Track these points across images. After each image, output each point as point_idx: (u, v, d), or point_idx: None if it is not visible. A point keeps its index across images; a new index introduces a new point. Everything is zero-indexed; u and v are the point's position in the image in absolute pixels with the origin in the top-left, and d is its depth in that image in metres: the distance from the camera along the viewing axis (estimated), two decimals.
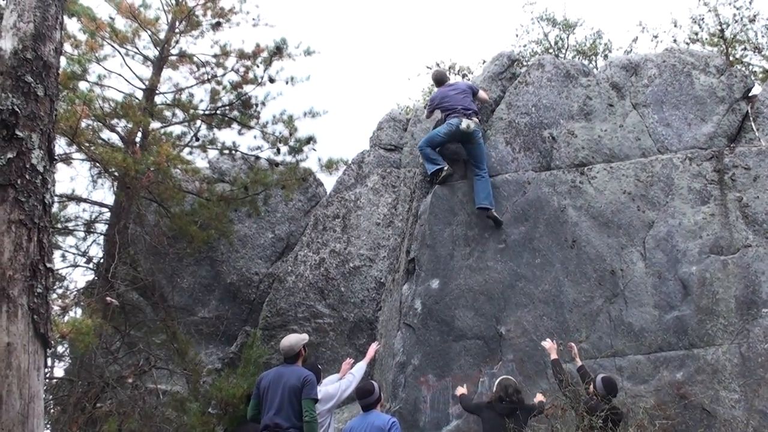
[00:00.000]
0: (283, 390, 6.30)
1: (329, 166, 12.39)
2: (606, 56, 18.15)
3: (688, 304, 8.04)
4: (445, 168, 8.98)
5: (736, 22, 15.97)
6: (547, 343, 7.53)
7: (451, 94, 9.37)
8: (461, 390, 7.38)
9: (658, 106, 9.24)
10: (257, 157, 12.43)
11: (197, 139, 12.11)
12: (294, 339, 6.70)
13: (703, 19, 16.40)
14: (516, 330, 8.25)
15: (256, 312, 11.81)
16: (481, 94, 9.54)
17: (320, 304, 10.91)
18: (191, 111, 11.80)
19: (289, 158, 12.33)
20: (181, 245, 11.39)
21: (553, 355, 7.38)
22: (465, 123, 8.88)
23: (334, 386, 7.28)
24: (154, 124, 11.63)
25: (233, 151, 12.47)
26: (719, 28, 15.93)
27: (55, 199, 9.49)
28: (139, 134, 11.04)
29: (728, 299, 7.98)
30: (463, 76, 18.89)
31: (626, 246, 8.47)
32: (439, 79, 9.87)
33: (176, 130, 12.31)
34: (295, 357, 6.60)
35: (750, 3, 15.81)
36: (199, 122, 12.01)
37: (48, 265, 3.61)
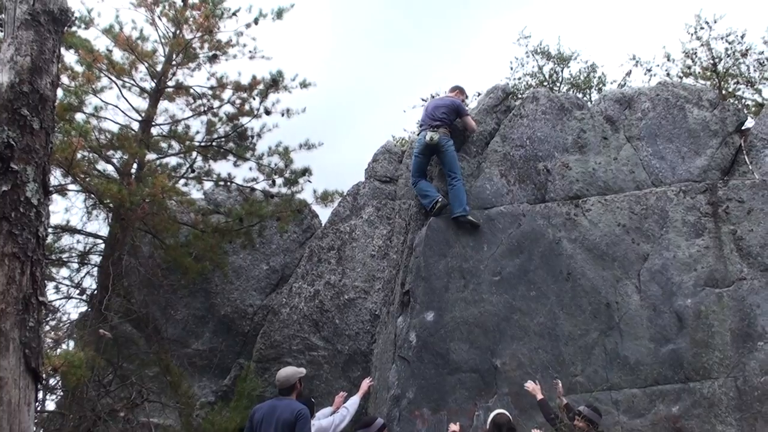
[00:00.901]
0: (276, 424, 6.23)
1: (324, 197, 12.41)
2: (600, 89, 18.23)
3: (684, 337, 8.03)
4: (440, 199, 9.03)
5: (729, 56, 16.10)
6: (530, 386, 7.50)
7: (429, 107, 9.65)
8: (453, 427, 7.31)
9: (651, 139, 9.30)
10: (253, 189, 12.44)
11: (193, 171, 12.14)
12: (290, 371, 6.66)
13: (695, 53, 16.53)
14: (511, 363, 8.22)
15: (250, 344, 11.73)
16: (467, 120, 9.59)
17: (315, 337, 10.87)
18: (187, 142, 11.85)
19: (284, 190, 12.36)
20: (175, 277, 11.36)
21: (539, 396, 7.34)
22: (429, 135, 9.22)
23: (328, 420, 7.23)
24: (150, 156, 11.66)
25: (229, 183, 12.49)
26: (712, 62, 16.06)
27: (50, 230, 9.48)
28: (135, 166, 11.08)
29: (723, 332, 7.97)
30: None
31: (621, 279, 8.48)
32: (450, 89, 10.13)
33: (172, 161, 12.35)
34: (289, 389, 6.55)
35: (742, 37, 15.95)
36: (194, 154, 12.05)
37: (40, 298, 3.61)
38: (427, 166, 9.61)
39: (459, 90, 10.05)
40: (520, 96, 16.33)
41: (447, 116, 9.41)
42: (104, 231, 11.23)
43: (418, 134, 9.82)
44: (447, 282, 8.73)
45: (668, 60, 17.07)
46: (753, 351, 7.82)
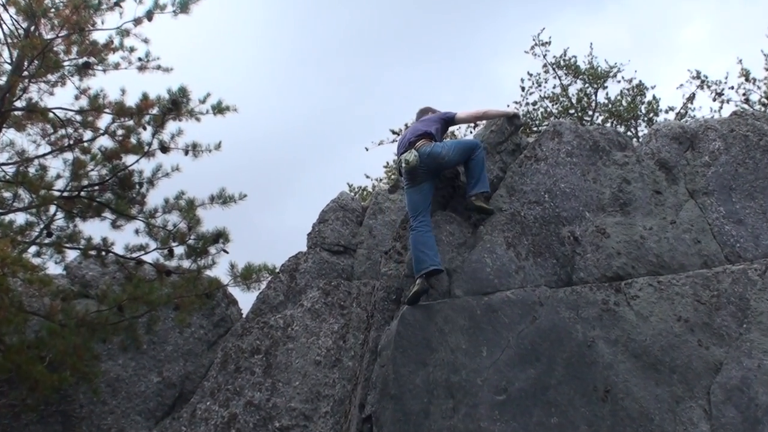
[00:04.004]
0: None
1: (247, 275, 12.31)
2: (651, 121, 18.51)
3: None
4: (417, 282, 8.86)
5: None
6: None
7: (405, 134, 9.83)
8: None
9: (725, 194, 9.43)
10: (140, 262, 12.36)
11: (50, 234, 12.04)
12: None
13: None
14: None
15: None
16: (460, 114, 9.98)
17: None
18: (42, 191, 11.76)
19: (186, 264, 12.28)
20: (18, 393, 11.16)
21: None
22: (403, 158, 9.33)
23: None
24: None
25: (104, 252, 12.39)
26: None
27: None
28: None
29: None
30: None
31: (683, 398, 8.49)
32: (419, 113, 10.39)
33: (18, 218, 12.24)
34: None
35: None
36: (53, 208, 11.97)
37: None
38: (428, 200, 9.43)
39: (430, 110, 10.23)
40: (535, 129, 16.56)
41: (432, 125, 9.72)
42: None
43: (396, 162, 9.96)
44: (428, 403, 8.67)
45: (746, 80, 17.36)
46: None
